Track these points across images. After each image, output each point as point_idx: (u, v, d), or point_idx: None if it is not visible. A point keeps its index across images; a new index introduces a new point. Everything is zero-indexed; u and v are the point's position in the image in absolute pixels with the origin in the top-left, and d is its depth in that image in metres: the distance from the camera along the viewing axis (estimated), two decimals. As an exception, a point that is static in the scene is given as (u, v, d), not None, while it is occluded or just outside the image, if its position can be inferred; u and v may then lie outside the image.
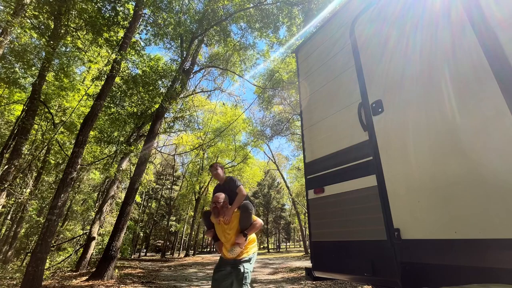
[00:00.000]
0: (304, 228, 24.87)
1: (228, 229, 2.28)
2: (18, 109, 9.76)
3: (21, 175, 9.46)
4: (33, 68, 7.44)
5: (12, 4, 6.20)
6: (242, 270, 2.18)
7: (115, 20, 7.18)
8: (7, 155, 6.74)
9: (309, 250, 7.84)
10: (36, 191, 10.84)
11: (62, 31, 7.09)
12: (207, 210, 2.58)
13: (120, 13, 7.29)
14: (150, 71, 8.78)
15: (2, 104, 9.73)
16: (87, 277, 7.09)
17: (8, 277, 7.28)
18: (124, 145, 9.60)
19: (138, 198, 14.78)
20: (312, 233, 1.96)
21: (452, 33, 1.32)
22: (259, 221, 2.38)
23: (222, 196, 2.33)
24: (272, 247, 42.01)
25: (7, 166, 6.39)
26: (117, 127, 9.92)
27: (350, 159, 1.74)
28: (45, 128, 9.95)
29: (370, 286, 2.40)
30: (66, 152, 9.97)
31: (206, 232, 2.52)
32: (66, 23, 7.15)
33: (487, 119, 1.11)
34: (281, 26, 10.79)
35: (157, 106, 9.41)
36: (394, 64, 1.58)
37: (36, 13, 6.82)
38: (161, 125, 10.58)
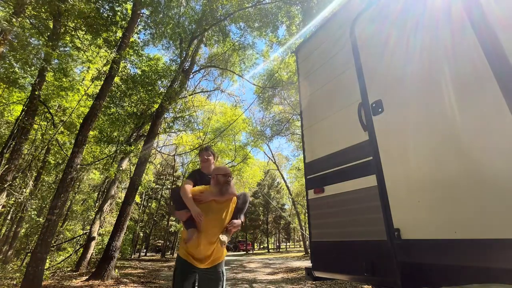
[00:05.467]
0: (304, 228, 24.87)
1: (226, 214, 1.90)
2: (17, 109, 9.76)
3: (21, 175, 9.45)
4: (32, 68, 7.43)
5: (11, 3, 6.19)
6: (222, 273, 1.89)
7: (114, 20, 7.17)
8: (7, 155, 6.73)
9: (309, 250, 7.85)
10: (36, 191, 10.83)
11: (61, 31, 7.08)
12: (189, 179, 2.09)
13: (119, 13, 7.28)
14: (149, 71, 8.77)
15: (2, 104, 9.72)
16: (87, 277, 7.09)
17: (8, 277, 7.28)
18: (124, 145, 9.60)
19: (138, 198, 14.78)
20: (312, 233, 1.96)
21: (452, 33, 1.32)
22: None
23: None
24: (272, 247, 42.01)
25: (7, 166, 6.38)
26: (117, 127, 9.91)
27: (350, 159, 1.74)
28: (45, 128, 9.94)
29: (370, 286, 2.40)
30: (66, 152, 9.97)
31: (179, 213, 1.87)
32: (65, 23, 7.14)
33: (487, 119, 1.11)
34: (280, 25, 10.79)
35: (156, 106, 9.40)
36: (394, 64, 1.58)
37: (36, 13, 6.81)
38: (161, 125, 10.58)
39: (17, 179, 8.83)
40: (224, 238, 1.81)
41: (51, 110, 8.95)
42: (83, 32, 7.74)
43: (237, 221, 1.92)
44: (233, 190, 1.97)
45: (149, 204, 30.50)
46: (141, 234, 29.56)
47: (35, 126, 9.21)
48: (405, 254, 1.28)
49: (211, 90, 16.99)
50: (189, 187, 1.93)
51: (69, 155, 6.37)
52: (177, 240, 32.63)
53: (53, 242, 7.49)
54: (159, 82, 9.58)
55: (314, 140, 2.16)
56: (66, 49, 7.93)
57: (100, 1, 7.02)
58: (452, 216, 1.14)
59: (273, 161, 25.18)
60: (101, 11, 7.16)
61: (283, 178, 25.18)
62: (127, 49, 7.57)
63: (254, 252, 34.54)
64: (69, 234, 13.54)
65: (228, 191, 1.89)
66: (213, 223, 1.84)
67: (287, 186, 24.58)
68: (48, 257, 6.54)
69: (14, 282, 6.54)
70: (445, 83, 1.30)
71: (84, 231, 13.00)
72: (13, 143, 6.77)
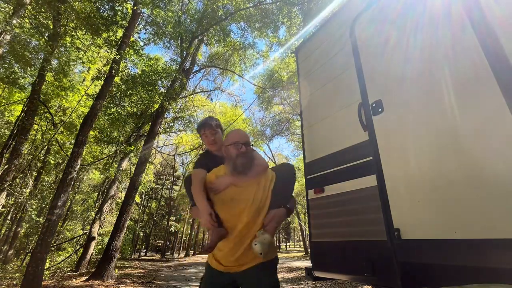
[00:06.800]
0: (304, 228, 24.85)
1: (257, 200, 1.26)
2: (18, 109, 9.76)
3: (21, 175, 9.45)
4: (32, 68, 7.43)
5: (12, 4, 6.19)
6: (275, 280, 1.27)
7: (114, 19, 7.16)
8: (7, 155, 6.73)
9: (309, 250, 7.84)
10: (36, 191, 10.83)
11: (61, 31, 7.08)
12: (199, 167, 1.45)
13: (119, 12, 7.27)
14: (149, 70, 8.78)
15: (2, 104, 9.72)
16: (87, 277, 7.09)
17: (8, 277, 7.28)
18: (124, 145, 9.60)
19: (138, 198, 14.79)
20: (312, 233, 1.95)
21: (452, 33, 1.32)
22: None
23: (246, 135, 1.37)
24: (272, 247, 41.89)
25: (7, 166, 6.38)
26: (117, 127, 9.92)
27: (350, 159, 1.74)
28: (45, 128, 9.94)
29: (370, 286, 2.39)
30: (66, 152, 9.97)
31: (193, 210, 1.39)
32: (65, 23, 7.14)
33: (487, 119, 1.11)
34: (281, 26, 10.81)
35: (157, 106, 9.41)
36: (394, 64, 1.58)
37: (35, 13, 6.81)
38: (161, 125, 10.59)
39: (17, 179, 8.82)
40: (257, 246, 1.12)
41: (51, 110, 8.95)
42: (83, 32, 7.74)
43: (277, 211, 1.23)
44: (262, 162, 1.35)
45: (149, 204, 30.51)
46: (141, 234, 29.56)
47: (35, 126, 9.21)
48: (405, 254, 1.28)
49: (211, 90, 16.98)
50: (199, 175, 1.37)
51: (69, 155, 6.37)
52: (177, 240, 32.61)
53: (53, 242, 7.49)
54: (160, 82, 9.59)
55: (314, 140, 2.16)
56: (66, 49, 7.93)
57: (100, 1, 7.02)
58: (452, 216, 1.14)
59: (273, 161, 25.15)
60: (101, 10, 7.16)
61: (283, 178, 25.15)
62: (128, 49, 7.57)
63: (254, 252, 34.41)
64: (69, 234, 13.55)
65: (245, 165, 1.25)
66: (239, 217, 1.25)
67: (287, 186, 24.53)
68: (48, 257, 6.54)
69: (14, 282, 6.54)
70: (445, 83, 1.30)
71: (84, 231, 13.00)
72: (13, 143, 6.77)
